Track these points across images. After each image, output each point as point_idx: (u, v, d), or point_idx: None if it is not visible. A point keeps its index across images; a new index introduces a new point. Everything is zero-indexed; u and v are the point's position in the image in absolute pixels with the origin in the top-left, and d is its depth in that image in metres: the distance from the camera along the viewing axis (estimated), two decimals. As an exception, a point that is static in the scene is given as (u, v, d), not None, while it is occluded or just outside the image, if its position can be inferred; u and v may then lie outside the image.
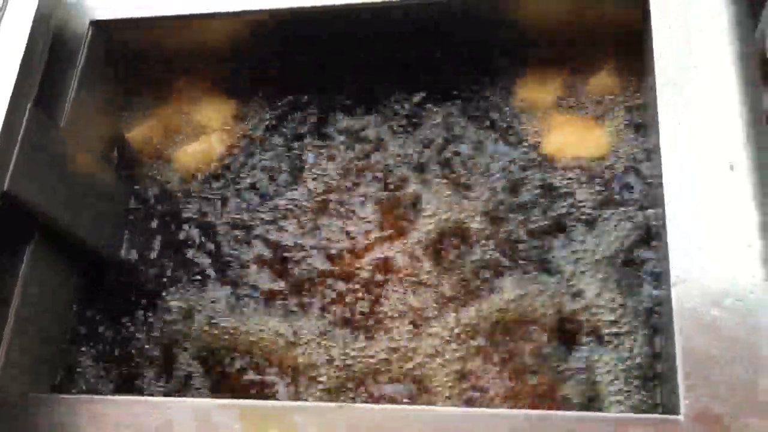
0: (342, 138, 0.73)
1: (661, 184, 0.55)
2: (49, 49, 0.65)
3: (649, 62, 0.60)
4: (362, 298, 0.65)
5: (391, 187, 0.69)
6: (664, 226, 0.54)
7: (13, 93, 0.59)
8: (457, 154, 0.69)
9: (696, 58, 0.58)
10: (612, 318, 0.60)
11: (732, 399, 0.48)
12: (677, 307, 0.51)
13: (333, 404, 0.53)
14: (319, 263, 0.67)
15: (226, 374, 0.64)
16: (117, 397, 0.58)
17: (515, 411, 0.54)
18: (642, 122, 0.66)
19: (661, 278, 0.58)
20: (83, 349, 0.67)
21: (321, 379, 0.62)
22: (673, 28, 0.59)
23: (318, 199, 0.70)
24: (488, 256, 0.64)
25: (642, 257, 0.62)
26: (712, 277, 0.51)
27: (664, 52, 0.59)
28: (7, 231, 0.60)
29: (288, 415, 0.53)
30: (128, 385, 0.65)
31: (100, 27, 0.71)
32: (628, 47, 0.66)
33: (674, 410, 0.49)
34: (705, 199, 0.54)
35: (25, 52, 0.61)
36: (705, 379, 0.49)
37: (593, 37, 0.68)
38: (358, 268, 0.66)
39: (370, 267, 0.66)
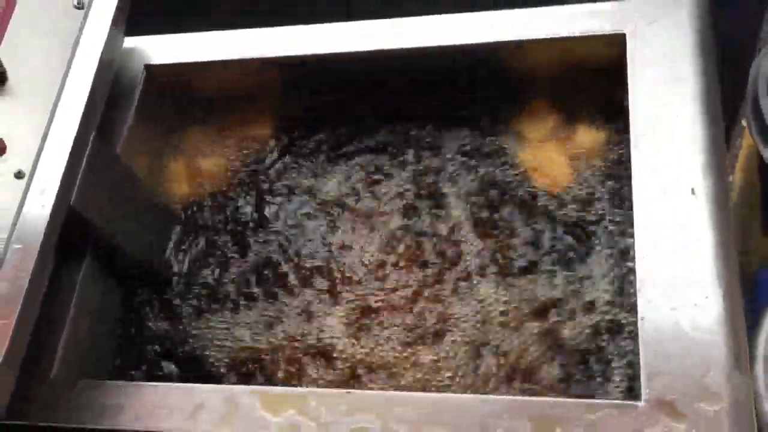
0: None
1: (631, 206, 0.63)
2: (110, 88, 0.77)
3: (626, 104, 0.69)
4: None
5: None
6: (633, 240, 0.62)
7: (80, 124, 0.70)
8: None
9: (665, 100, 0.67)
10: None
11: (684, 388, 0.55)
12: (643, 312, 0.59)
13: (342, 390, 0.61)
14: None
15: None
16: (155, 384, 0.67)
17: (490, 396, 0.62)
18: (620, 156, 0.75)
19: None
20: (127, 344, 0.76)
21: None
22: (646, 76, 0.68)
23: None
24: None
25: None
26: (672, 285, 0.59)
27: (637, 94, 0.67)
28: (70, 242, 0.70)
29: (302, 399, 0.61)
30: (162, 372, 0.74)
31: (153, 70, 0.83)
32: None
33: (636, 397, 0.56)
34: (670, 218, 0.62)
35: (90, 90, 0.72)
36: (663, 372, 0.56)
37: (581, 84, 0.77)
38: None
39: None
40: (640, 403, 0.55)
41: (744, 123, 0.89)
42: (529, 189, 0.76)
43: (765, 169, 0.98)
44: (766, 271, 0.86)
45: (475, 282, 0.72)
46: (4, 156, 0.67)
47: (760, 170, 1.04)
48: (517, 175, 0.77)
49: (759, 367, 0.75)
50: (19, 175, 0.67)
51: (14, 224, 0.65)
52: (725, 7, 0.83)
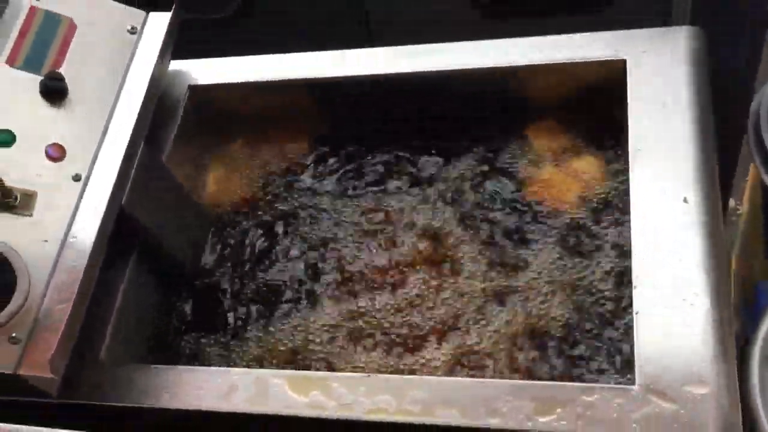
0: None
1: (629, 212, 0.69)
2: (158, 105, 0.85)
3: (626, 121, 0.75)
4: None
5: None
6: (631, 243, 0.68)
7: (131, 135, 0.77)
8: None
9: (661, 119, 0.73)
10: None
11: (674, 375, 0.61)
12: (638, 306, 0.65)
13: (362, 374, 0.67)
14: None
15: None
16: (193, 367, 0.73)
17: (496, 380, 0.67)
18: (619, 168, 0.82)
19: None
20: (168, 332, 0.83)
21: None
22: (644, 97, 0.75)
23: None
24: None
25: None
26: (665, 283, 0.65)
27: (635, 113, 0.74)
28: (119, 239, 0.77)
29: (326, 382, 0.67)
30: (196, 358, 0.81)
31: (195, 90, 0.91)
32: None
33: (631, 382, 0.62)
34: (664, 224, 0.68)
35: (141, 105, 0.80)
36: (655, 360, 0.62)
37: (586, 103, 0.84)
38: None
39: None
40: (634, 387, 0.61)
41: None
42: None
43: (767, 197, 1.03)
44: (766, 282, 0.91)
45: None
46: (63, 161, 0.75)
47: (763, 199, 1.10)
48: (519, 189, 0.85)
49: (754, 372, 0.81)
50: (76, 177, 0.74)
51: (71, 221, 0.72)
52: (723, 39, 0.90)
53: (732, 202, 1.77)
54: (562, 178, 0.83)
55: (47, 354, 0.66)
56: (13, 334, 0.66)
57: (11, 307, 0.67)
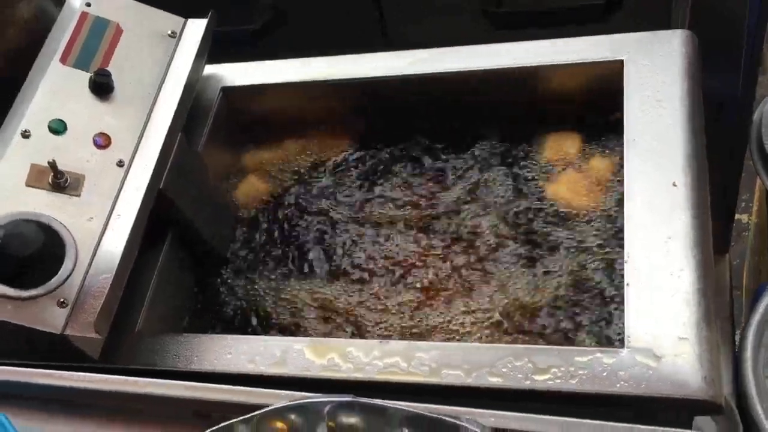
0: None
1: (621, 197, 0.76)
2: (193, 103, 0.93)
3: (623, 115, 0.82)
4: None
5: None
6: (624, 225, 0.74)
7: (170, 126, 0.85)
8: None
9: (654, 114, 0.79)
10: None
11: (660, 338, 0.66)
12: (629, 279, 0.70)
13: (376, 340, 0.74)
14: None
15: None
16: (221, 335, 0.80)
17: (497, 345, 0.73)
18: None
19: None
20: (199, 305, 0.90)
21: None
22: (639, 94, 0.81)
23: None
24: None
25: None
26: (654, 256, 0.71)
27: (631, 107, 0.81)
28: (156, 221, 0.85)
29: (343, 347, 0.73)
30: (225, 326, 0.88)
31: (227, 91, 0.99)
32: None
33: (621, 344, 0.67)
34: (654, 204, 0.74)
35: (179, 100, 0.87)
36: (643, 325, 0.67)
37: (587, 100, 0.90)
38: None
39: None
40: (623, 350, 0.66)
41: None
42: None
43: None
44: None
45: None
46: (109, 148, 0.83)
47: (768, 209, 1.15)
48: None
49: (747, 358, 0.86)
50: (120, 163, 0.82)
51: (115, 202, 0.80)
52: (720, 49, 0.96)
53: (742, 217, 1.81)
54: (576, 177, 0.89)
55: (92, 317, 0.73)
56: (62, 299, 0.73)
57: (60, 275, 0.74)
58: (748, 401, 0.82)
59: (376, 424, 0.54)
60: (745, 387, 0.86)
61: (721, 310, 1.29)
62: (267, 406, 0.56)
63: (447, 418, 0.52)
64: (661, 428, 0.54)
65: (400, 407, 0.54)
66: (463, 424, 0.51)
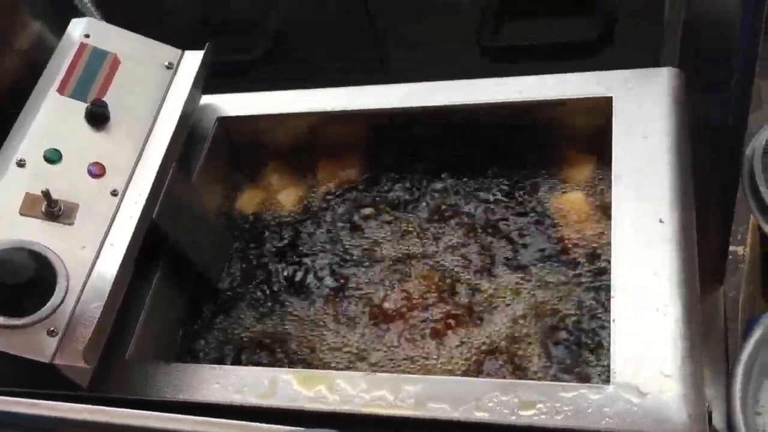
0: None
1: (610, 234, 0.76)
2: (189, 134, 0.95)
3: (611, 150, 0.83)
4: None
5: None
6: (611, 258, 0.75)
7: (164, 156, 0.86)
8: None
9: (641, 150, 0.80)
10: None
11: (646, 375, 0.66)
12: (615, 315, 0.71)
13: (363, 373, 0.74)
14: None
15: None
16: (212, 365, 0.80)
17: (484, 379, 0.74)
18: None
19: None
20: (190, 334, 0.91)
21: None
22: (628, 129, 0.82)
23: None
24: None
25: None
26: (640, 293, 0.71)
27: (619, 143, 0.82)
28: (148, 250, 0.86)
29: (330, 379, 0.73)
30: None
31: (222, 122, 1.00)
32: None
33: (607, 381, 0.68)
34: (641, 241, 0.74)
35: (173, 131, 0.88)
36: (629, 362, 0.67)
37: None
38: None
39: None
40: (609, 387, 0.67)
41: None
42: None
43: (765, 243, 1.09)
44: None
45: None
46: (103, 178, 0.84)
47: (761, 243, 1.15)
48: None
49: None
50: (114, 193, 0.83)
51: (108, 230, 0.81)
52: (711, 85, 0.98)
53: (738, 249, 1.81)
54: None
55: (81, 346, 0.74)
56: (52, 328, 0.74)
57: (51, 304, 0.75)
58: (737, 437, 0.82)
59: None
60: (735, 422, 0.86)
61: (715, 343, 1.30)
62: (251, 439, 0.56)
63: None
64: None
65: (382, 443, 0.54)
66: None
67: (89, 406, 0.65)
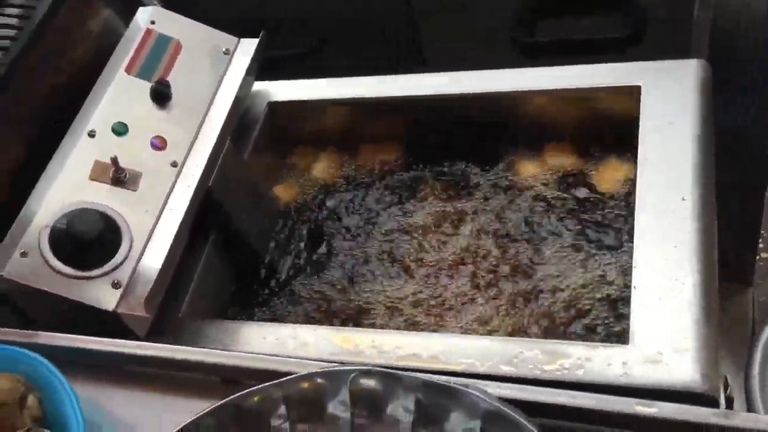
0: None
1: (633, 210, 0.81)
2: (242, 116, 1.02)
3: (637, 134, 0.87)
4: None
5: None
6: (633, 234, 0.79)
7: (219, 133, 0.94)
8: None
9: (666, 135, 0.85)
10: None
11: (663, 337, 0.71)
12: (636, 283, 0.75)
13: (399, 332, 0.80)
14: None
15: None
16: (257, 322, 0.87)
17: (510, 338, 0.79)
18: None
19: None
20: (238, 296, 0.97)
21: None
22: (654, 117, 0.87)
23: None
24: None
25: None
26: (661, 263, 0.76)
27: (646, 129, 0.86)
28: (203, 218, 0.92)
29: (366, 335, 0.79)
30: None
31: (273, 106, 1.07)
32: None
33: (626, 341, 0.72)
34: (663, 216, 0.79)
35: (229, 111, 0.96)
36: (648, 325, 0.72)
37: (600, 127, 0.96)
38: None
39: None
40: (628, 346, 0.71)
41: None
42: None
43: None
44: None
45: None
46: (164, 150, 0.91)
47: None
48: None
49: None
50: (173, 164, 0.90)
51: (167, 197, 0.88)
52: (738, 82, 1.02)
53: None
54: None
55: (142, 297, 0.81)
56: (116, 281, 0.81)
57: (115, 259, 0.82)
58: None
59: (393, 389, 0.59)
60: (753, 404, 0.89)
61: (740, 343, 1.32)
62: (294, 374, 0.62)
63: (456, 385, 0.58)
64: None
65: (414, 376, 0.59)
66: (471, 391, 0.57)
67: (155, 344, 0.71)
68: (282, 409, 0.61)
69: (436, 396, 0.58)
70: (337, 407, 0.61)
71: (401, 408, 0.59)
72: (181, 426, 0.60)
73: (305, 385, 0.60)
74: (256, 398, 0.61)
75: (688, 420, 0.57)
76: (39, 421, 0.68)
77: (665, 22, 1.07)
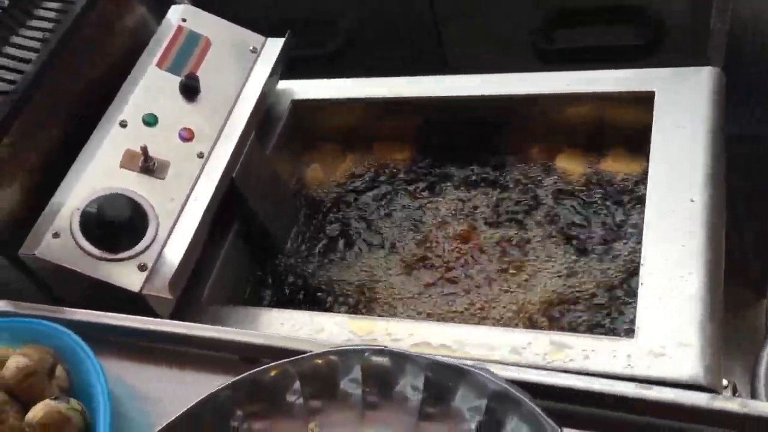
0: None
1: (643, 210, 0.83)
2: (267, 112, 1.06)
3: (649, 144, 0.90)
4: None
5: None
6: (643, 232, 0.81)
7: (244, 127, 0.97)
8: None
9: (678, 139, 0.87)
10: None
11: (667, 333, 0.73)
12: (643, 279, 0.78)
13: (412, 320, 0.82)
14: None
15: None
16: (274, 309, 0.90)
17: (518, 329, 0.81)
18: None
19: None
20: (258, 284, 1.01)
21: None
22: (667, 122, 0.89)
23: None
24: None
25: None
26: (668, 262, 0.78)
27: (658, 132, 0.89)
28: (227, 208, 0.96)
29: (378, 323, 0.82)
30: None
31: (297, 104, 1.11)
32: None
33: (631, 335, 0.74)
34: (672, 217, 0.81)
35: (254, 106, 0.99)
36: (653, 321, 0.74)
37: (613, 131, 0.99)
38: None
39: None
40: (632, 339, 0.73)
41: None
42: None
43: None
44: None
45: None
46: (191, 141, 0.95)
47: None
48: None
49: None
50: (200, 155, 0.94)
51: (193, 186, 0.92)
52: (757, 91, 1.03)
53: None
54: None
55: (166, 279, 0.84)
56: (142, 263, 0.85)
57: (142, 243, 0.86)
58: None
59: (403, 368, 0.62)
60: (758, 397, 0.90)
61: (752, 353, 1.33)
62: (309, 352, 0.65)
63: (464, 366, 0.60)
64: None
65: (424, 356, 0.62)
66: (479, 371, 0.59)
67: (178, 321, 0.75)
68: (297, 385, 0.64)
69: (444, 375, 0.61)
70: (349, 385, 0.63)
71: (410, 386, 0.62)
72: (201, 398, 0.63)
73: (319, 362, 0.63)
74: (272, 373, 0.63)
75: (683, 404, 0.59)
76: (66, 391, 0.72)
77: (682, 31, 1.10)
